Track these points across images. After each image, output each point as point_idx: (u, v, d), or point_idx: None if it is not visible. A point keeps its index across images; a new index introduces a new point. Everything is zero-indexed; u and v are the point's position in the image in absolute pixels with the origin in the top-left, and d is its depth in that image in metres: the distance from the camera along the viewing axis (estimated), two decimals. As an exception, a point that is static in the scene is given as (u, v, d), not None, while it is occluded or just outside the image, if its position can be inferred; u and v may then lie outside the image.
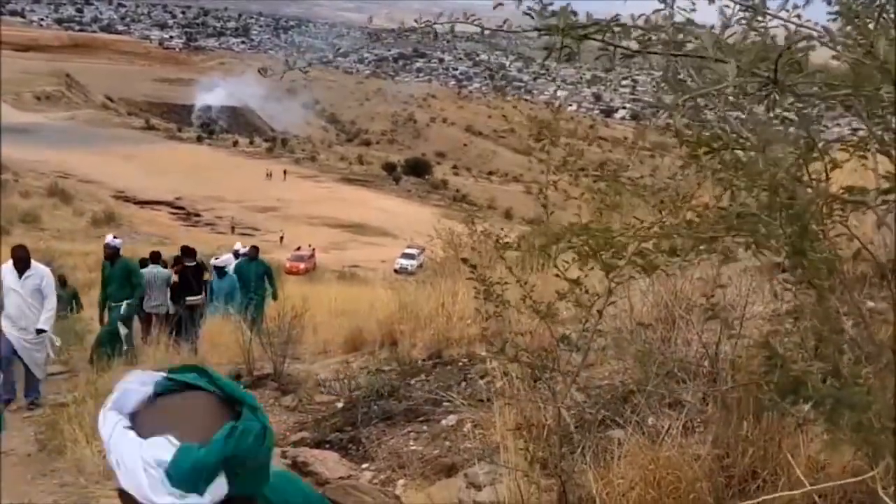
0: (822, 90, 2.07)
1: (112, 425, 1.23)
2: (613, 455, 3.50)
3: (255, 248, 15.83)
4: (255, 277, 14.35)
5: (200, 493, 1.18)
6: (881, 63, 1.80)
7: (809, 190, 2.57)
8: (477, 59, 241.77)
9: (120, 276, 11.67)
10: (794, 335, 2.59)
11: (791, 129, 2.29)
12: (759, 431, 3.20)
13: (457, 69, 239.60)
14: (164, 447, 1.19)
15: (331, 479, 5.07)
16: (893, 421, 2.38)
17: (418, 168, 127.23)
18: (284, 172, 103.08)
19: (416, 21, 2.77)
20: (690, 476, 3.03)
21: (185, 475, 1.17)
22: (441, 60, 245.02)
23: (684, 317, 4.98)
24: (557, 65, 2.47)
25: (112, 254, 11.82)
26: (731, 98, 2.49)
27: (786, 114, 2.32)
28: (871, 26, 1.96)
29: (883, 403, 2.37)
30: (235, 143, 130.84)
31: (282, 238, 64.70)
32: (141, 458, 1.18)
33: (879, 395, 2.34)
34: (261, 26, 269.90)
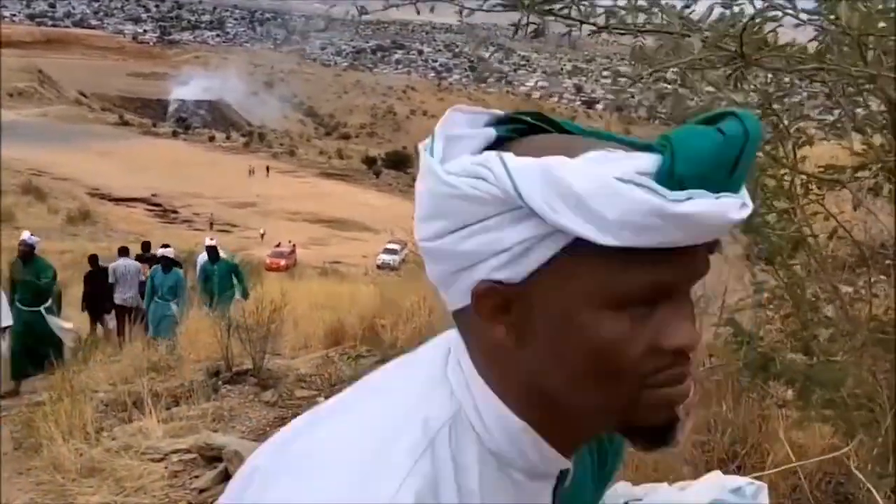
0: (791, 64, 2.06)
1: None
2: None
3: (213, 249, 14.02)
4: (220, 278, 13.28)
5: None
6: (844, 30, 1.79)
7: (784, 169, 2.56)
8: (456, 50, 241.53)
9: (33, 276, 10.97)
10: (766, 313, 2.59)
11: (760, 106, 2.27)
12: (737, 413, 3.20)
13: (436, 61, 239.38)
14: (633, 158, 0.79)
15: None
16: (867, 398, 2.38)
17: (399, 161, 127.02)
18: (267, 168, 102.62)
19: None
20: (670, 458, 3.03)
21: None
22: (420, 52, 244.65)
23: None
24: (537, 55, 2.44)
25: (27, 252, 11.05)
26: (702, 76, 2.47)
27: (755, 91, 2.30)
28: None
29: (856, 381, 2.37)
30: (212, 139, 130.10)
31: (262, 235, 64.44)
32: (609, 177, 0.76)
33: (852, 373, 2.34)
34: (236, 19, 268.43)
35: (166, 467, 5.74)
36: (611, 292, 0.80)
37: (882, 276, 2.61)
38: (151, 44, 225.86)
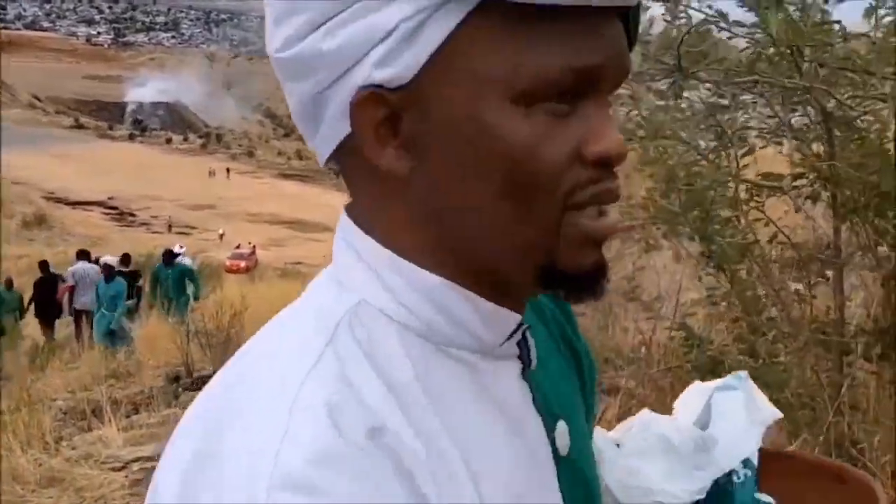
0: (728, 76, 2.13)
1: None
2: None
3: (169, 253, 14.22)
4: (173, 282, 12.97)
5: None
6: (775, 43, 1.87)
7: (729, 177, 2.65)
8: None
9: None
10: (714, 317, 2.67)
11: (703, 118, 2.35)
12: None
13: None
14: None
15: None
16: (810, 397, 2.47)
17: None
18: (227, 170, 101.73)
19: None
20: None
21: None
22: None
23: (622, 305, 5.08)
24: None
25: None
26: (649, 88, 2.55)
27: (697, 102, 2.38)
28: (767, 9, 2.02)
29: (799, 381, 2.46)
30: (169, 141, 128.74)
31: (222, 236, 63.83)
32: None
33: (796, 373, 2.43)
34: (191, 20, 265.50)
35: (127, 476, 5.71)
36: (523, 80, 0.63)
37: (821, 279, 2.71)
38: (106, 46, 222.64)
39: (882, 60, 2.23)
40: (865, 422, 2.65)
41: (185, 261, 15.42)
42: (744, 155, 2.52)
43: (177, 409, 7.86)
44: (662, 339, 4.19)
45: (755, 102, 2.80)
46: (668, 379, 3.51)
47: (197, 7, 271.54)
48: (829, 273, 2.65)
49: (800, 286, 2.83)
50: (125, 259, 14.55)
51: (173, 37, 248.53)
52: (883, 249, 2.49)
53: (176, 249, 15.45)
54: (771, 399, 2.34)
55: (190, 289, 12.99)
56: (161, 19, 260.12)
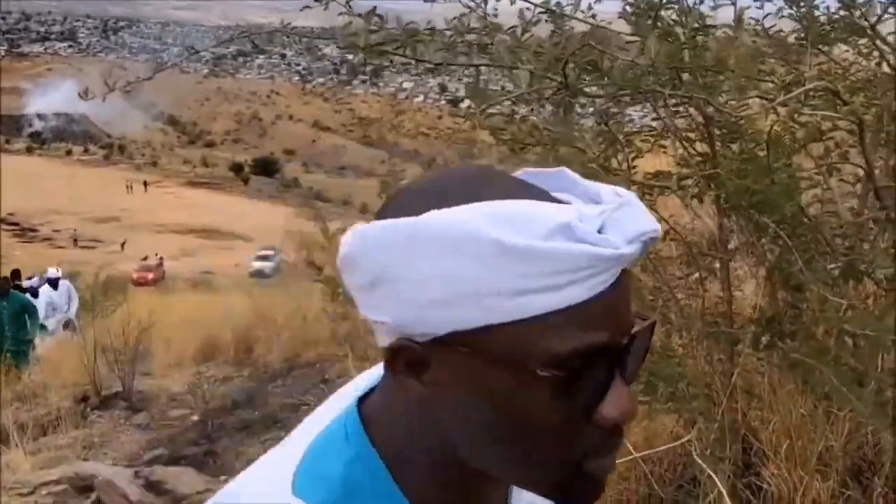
0: (613, 90, 2.22)
1: None
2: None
3: (5, 280, 12.03)
4: (10, 318, 11.13)
5: None
6: (652, 62, 1.96)
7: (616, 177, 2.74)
8: (319, 53, 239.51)
9: None
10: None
11: (591, 124, 2.44)
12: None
13: (299, 64, 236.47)
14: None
15: (188, 495, 4.99)
16: (704, 387, 2.59)
17: (267, 167, 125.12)
18: (145, 184, 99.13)
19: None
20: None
21: None
22: (283, 56, 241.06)
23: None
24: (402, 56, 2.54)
25: None
26: (537, 101, 2.63)
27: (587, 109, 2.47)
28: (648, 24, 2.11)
29: (694, 372, 2.57)
30: (69, 152, 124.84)
31: (123, 245, 62.24)
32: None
33: (689, 365, 2.54)
34: (88, 29, 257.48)
35: (36, 501, 5.56)
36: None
37: (710, 273, 2.83)
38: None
39: (750, 63, 2.35)
40: (760, 409, 2.78)
41: (47, 284, 13.40)
42: (634, 158, 2.62)
43: (85, 429, 7.67)
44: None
45: (644, 112, 2.91)
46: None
47: (94, 15, 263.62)
48: (717, 269, 2.77)
49: (690, 284, 2.95)
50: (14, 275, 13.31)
51: (70, 46, 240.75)
52: (765, 243, 2.62)
53: (51, 273, 13.46)
54: (666, 392, 2.43)
55: (28, 326, 11.32)
56: (57, 28, 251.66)
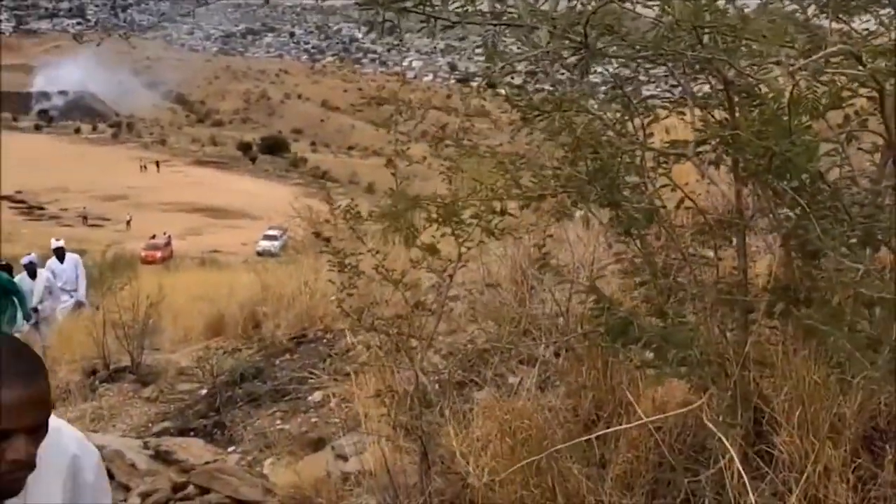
0: (634, 51, 2.19)
1: None
2: (472, 413, 3.62)
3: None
4: None
5: None
6: (677, 20, 1.93)
7: (634, 145, 2.72)
8: (329, 31, 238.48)
9: None
10: (624, 281, 2.75)
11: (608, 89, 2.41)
12: (603, 376, 3.37)
13: (308, 43, 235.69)
14: None
15: (196, 466, 5.00)
16: (717, 355, 2.57)
17: (275, 146, 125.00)
18: (157, 164, 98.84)
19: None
20: (543, 424, 3.17)
21: None
22: (292, 34, 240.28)
23: (539, 278, 5.16)
24: (410, 34, 2.52)
25: None
26: (555, 63, 2.60)
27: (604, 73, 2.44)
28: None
29: (706, 339, 2.55)
30: (77, 131, 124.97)
31: (129, 222, 62.28)
32: None
33: (702, 333, 2.53)
34: (97, 6, 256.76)
35: (45, 472, 5.58)
36: None
37: (726, 242, 2.81)
38: (7, 35, 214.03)
39: (777, 29, 2.32)
40: (773, 377, 2.77)
41: (54, 257, 12.99)
42: (649, 123, 2.60)
43: (95, 402, 7.71)
44: (579, 308, 4.28)
45: (666, 76, 2.88)
46: (584, 345, 3.60)
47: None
48: (733, 237, 2.75)
49: (707, 253, 2.93)
50: None
51: (79, 23, 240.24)
52: (782, 211, 2.60)
53: (54, 243, 13.15)
54: (679, 357, 2.42)
55: (11, 311, 11.00)
56: (65, 5, 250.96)
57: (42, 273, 12.35)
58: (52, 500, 1.77)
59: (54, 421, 1.87)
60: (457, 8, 2.04)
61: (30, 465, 1.58)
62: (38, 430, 1.60)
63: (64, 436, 1.82)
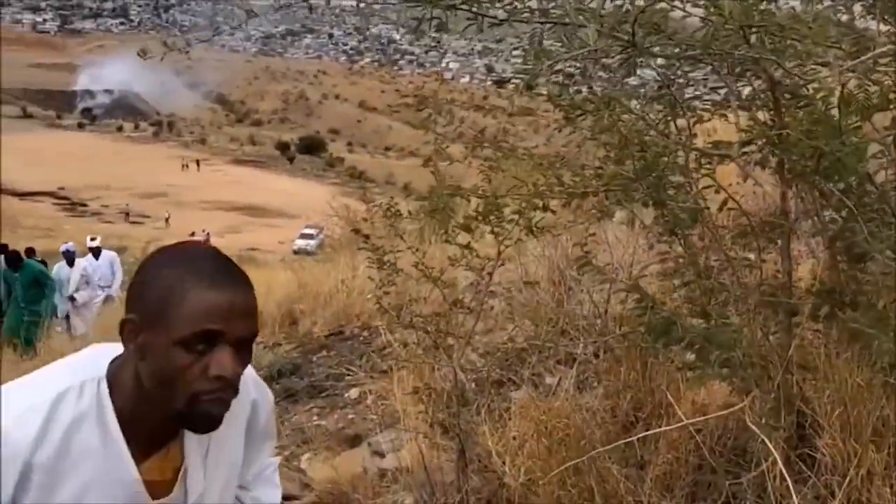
0: (681, 50, 2.19)
1: None
2: (509, 412, 3.62)
3: (13, 253, 11.62)
4: (23, 288, 10.98)
5: None
6: (726, 19, 1.93)
7: (677, 145, 2.71)
8: (367, 32, 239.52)
9: None
10: (667, 281, 2.74)
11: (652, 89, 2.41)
12: (642, 377, 3.36)
13: (346, 44, 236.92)
14: None
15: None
16: (760, 357, 2.56)
17: (312, 146, 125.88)
18: (197, 162, 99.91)
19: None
20: (580, 424, 3.17)
21: None
22: (331, 36, 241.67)
23: (577, 278, 5.15)
24: (448, 36, 2.53)
25: None
26: (599, 63, 2.60)
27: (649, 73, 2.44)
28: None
29: (749, 341, 2.54)
30: (119, 129, 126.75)
31: (168, 219, 62.99)
32: None
33: (745, 335, 2.51)
34: (140, 6, 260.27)
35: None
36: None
37: (770, 244, 2.79)
38: (52, 34, 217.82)
39: (823, 31, 2.31)
40: (816, 380, 2.75)
41: (90, 253, 12.91)
42: (695, 123, 2.59)
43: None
44: (618, 309, 4.27)
45: (706, 79, 2.87)
46: (624, 345, 3.59)
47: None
48: (778, 239, 2.73)
49: (750, 255, 2.91)
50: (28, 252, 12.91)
51: (122, 23, 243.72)
52: (828, 213, 2.58)
53: (90, 243, 13.02)
54: (722, 358, 2.41)
55: (50, 300, 11.11)
56: (109, 5, 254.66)
57: (79, 262, 12.38)
58: (235, 448, 1.66)
59: None
60: (505, 5, 2.05)
61: (233, 386, 1.43)
62: (245, 348, 1.44)
63: (248, 379, 1.62)
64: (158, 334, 1.40)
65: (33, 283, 11.07)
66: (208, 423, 1.44)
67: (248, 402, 1.67)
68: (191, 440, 1.54)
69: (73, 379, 1.47)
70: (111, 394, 1.47)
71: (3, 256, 11.47)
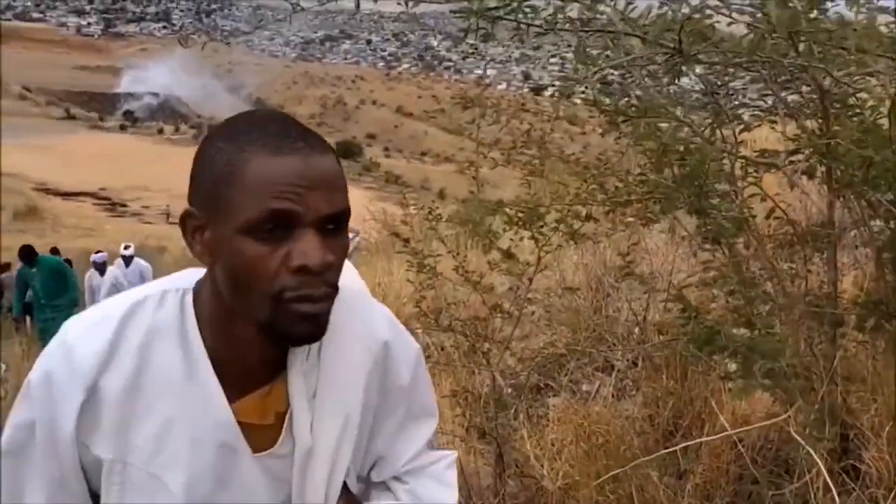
0: (727, 57, 2.18)
1: None
2: (547, 417, 3.62)
3: (27, 248, 11.28)
4: (42, 285, 10.74)
5: None
6: (773, 27, 1.92)
7: (724, 153, 2.70)
8: (405, 39, 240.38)
9: None
10: (711, 291, 2.73)
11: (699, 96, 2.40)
12: (683, 386, 3.35)
13: (385, 50, 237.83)
14: None
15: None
16: (804, 367, 2.53)
17: (349, 151, 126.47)
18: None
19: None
20: (620, 431, 3.16)
21: None
22: (369, 42, 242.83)
23: (615, 286, 5.14)
24: (485, 44, 2.55)
25: None
26: (643, 69, 2.60)
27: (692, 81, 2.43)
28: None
29: (794, 351, 2.52)
30: (160, 131, 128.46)
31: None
32: None
33: (790, 344, 2.49)
34: (182, 10, 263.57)
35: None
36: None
37: (816, 254, 2.77)
38: (96, 37, 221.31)
39: (873, 39, 2.29)
40: (862, 392, 2.72)
41: (121, 260, 12.80)
42: (741, 131, 2.58)
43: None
44: (656, 317, 4.25)
45: (748, 86, 2.86)
46: (663, 354, 3.57)
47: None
48: (824, 249, 2.71)
49: (794, 265, 2.89)
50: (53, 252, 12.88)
51: (164, 27, 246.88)
52: (876, 223, 2.55)
53: (123, 251, 12.85)
54: (766, 368, 2.39)
55: (72, 294, 10.96)
56: (152, 9, 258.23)
57: (111, 270, 12.35)
58: (353, 395, 1.28)
59: (366, 294, 1.43)
60: (548, 15, 2.06)
61: (327, 280, 1.11)
62: (334, 231, 1.14)
63: (377, 314, 1.36)
64: (221, 224, 1.11)
65: (51, 277, 10.87)
66: (303, 327, 1.11)
67: (377, 342, 1.33)
68: (296, 376, 1.23)
69: (155, 289, 1.22)
70: (196, 310, 1.20)
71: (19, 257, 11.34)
